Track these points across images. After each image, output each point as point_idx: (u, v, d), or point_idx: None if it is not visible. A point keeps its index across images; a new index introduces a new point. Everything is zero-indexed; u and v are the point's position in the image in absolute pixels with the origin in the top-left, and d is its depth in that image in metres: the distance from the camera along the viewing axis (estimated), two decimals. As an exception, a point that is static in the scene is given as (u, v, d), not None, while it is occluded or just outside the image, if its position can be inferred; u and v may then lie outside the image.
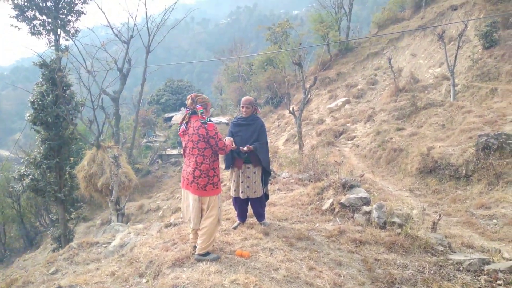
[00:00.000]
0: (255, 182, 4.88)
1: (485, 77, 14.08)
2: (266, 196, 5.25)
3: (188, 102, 4.04)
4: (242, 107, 4.97)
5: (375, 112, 17.02)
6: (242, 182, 4.87)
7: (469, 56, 15.44)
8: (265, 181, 5.09)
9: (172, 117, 42.75)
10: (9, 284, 5.07)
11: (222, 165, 4.70)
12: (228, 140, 4.42)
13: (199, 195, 3.92)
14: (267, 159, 5.01)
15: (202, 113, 3.96)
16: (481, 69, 14.46)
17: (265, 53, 33.34)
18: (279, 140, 21.02)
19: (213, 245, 4.08)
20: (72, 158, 15.64)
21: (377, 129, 14.35)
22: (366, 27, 42.06)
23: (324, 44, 27.12)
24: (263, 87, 30.92)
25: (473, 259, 4.02)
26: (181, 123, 4.11)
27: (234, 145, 4.63)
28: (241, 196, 4.90)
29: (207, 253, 3.94)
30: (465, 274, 3.83)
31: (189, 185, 3.94)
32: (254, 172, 4.87)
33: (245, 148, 4.72)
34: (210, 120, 4.00)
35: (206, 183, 3.91)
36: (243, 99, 5.03)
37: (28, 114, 13.79)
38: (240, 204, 5.07)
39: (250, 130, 4.90)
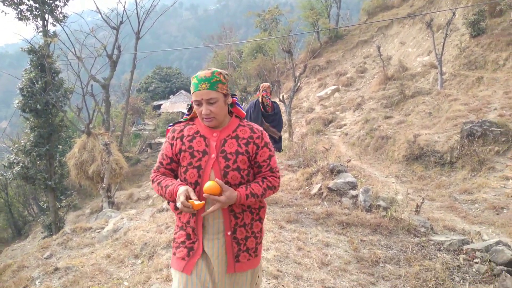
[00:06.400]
0: None
1: (472, 66, 14.34)
2: None
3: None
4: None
5: (364, 100, 17.22)
6: None
7: (457, 44, 15.66)
8: None
9: (161, 105, 42.51)
10: (3, 269, 5.16)
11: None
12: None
13: None
14: None
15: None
16: (468, 57, 14.70)
17: (255, 40, 33.22)
18: (269, 127, 21.11)
19: None
20: (61, 146, 15.62)
21: (365, 117, 14.56)
22: (356, 14, 42.02)
23: (314, 31, 27.15)
24: (253, 74, 30.92)
25: (453, 239, 4.23)
26: None
27: None
28: None
29: None
30: (445, 253, 4.03)
31: None
32: None
33: None
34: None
35: None
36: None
37: (17, 101, 13.71)
38: None
39: None
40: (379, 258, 3.87)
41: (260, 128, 2.04)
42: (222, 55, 40.61)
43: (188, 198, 1.76)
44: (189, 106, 2.09)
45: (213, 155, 1.90)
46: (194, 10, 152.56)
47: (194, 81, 1.90)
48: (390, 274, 3.59)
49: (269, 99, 5.55)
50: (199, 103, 1.88)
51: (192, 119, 2.10)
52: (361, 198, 5.32)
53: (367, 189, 5.43)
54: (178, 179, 2.02)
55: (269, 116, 5.62)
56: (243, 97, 28.16)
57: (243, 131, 1.99)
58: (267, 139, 2.03)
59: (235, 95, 2.06)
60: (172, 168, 2.02)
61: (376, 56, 20.50)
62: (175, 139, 1.99)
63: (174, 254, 2.00)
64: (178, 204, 1.74)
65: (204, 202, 1.77)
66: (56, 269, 3.89)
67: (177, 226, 2.04)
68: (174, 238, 2.05)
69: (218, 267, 1.95)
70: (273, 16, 35.23)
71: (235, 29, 49.88)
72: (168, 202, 2.06)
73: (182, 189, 1.79)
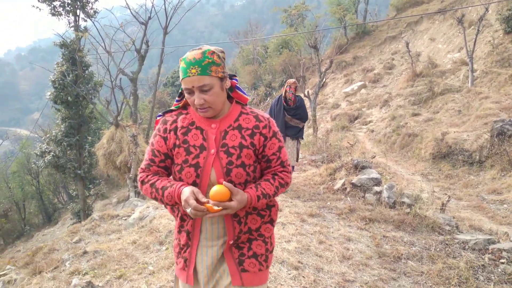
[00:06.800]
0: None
1: (505, 63, 13.83)
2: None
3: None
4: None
5: (391, 97, 16.91)
6: None
7: (490, 41, 15.13)
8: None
9: (187, 99, 43.07)
10: (35, 251, 5.40)
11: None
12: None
13: None
14: None
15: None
16: (501, 54, 14.18)
17: (281, 36, 33.08)
18: (293, 123, 21.04)
19: None
20: (90, 137, 16.15)
21: (392, 114, 14.31)
22: (384, 10, 41.18)
23: (340, 27, 26.81)
24: (278, 70, 30.82)
25: (479, 239, 4.15)
26: None
27: None
28: None
29: None
30: (470, 252, 3.96)
31: None
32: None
33: None
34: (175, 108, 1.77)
35: None
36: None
37: (49, 93, 14.28)
38: None
39: None
40: (402, 254, 3.85)
41: (267, 116, 1.71)
42: (248, 51, 40.65)
43: (197, 200, 1.47)
44: (180, 90, 1.68)
45: (213, 151, 1.59)
46: (221, 6, 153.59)
47: (182, 65, 1.54)
48: (412, 270, 3.57)
49: (292, 93, 5.68)
50: (191, 92, 1.55)
51: (185, 106, 1.73)
52: (385, 194, 5.28)
53: (391, 185, 5.38)
54: (171, 177, 1.72)
55: (291, 110, 5.76)
56: (268, 92, 28.11)
57: (247, 120, 1.66)
58: (275, 127, 1.71)
59: (235, 76, 1.71)
60: (167, 166, 1.70)
61: (405, 52, 20.05)
62: (168, 131, 1.65)
63: (177, 262, 1.76)
64: (189, 210, 1.45)
65: (221, 208, 1.47)
66: (85, 252, 4.05)
67: (176, 231, 1.77)
68: (174, 246, 1.80)
69: (214, 277, 1.68)
70: (300, 11, 34.97)
71: (261, 24, 49.78)
72: (165, 205, 1.71)
73: (188, 191, 1.48)
